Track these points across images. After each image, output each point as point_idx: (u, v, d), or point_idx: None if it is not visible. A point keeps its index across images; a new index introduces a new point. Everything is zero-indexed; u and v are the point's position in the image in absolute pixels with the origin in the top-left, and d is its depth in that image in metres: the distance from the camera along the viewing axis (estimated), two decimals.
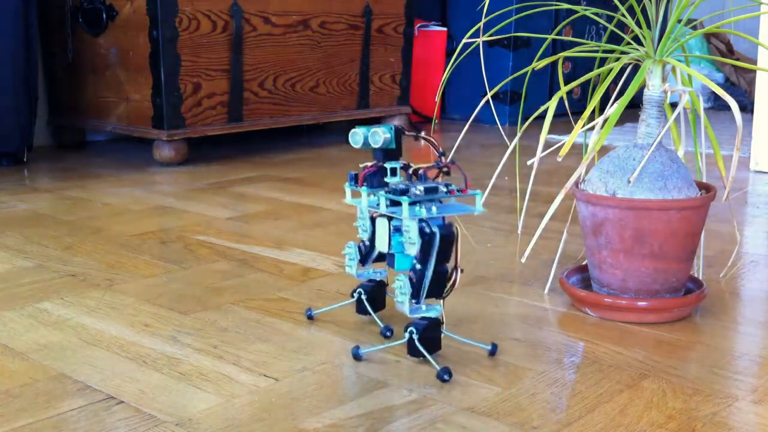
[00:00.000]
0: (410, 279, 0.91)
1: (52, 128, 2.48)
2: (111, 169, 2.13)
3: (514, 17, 1.55)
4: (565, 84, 1.32)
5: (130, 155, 2.34)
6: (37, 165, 2.19)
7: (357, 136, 0.96)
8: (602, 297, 1.09)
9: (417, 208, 0.90)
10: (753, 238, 1.49)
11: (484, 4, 1.20)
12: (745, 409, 0.84)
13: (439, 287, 0.92)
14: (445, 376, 0.89)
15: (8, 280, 1.24)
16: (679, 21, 1.09)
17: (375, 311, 1.05)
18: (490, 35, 1.25)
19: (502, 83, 2.23)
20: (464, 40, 1.20)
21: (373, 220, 0.99)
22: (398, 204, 0.92)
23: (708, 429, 0.80)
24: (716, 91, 1.01)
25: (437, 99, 2.80)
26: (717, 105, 3.35)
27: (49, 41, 2.39)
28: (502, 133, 2.64)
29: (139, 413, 0.83)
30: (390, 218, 0.94)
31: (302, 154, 2.39)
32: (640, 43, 1.11)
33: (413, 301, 0.91)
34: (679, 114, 1.13)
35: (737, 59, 3.56)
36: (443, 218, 0.92)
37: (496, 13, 1.39)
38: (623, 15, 1.13)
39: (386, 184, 0.95)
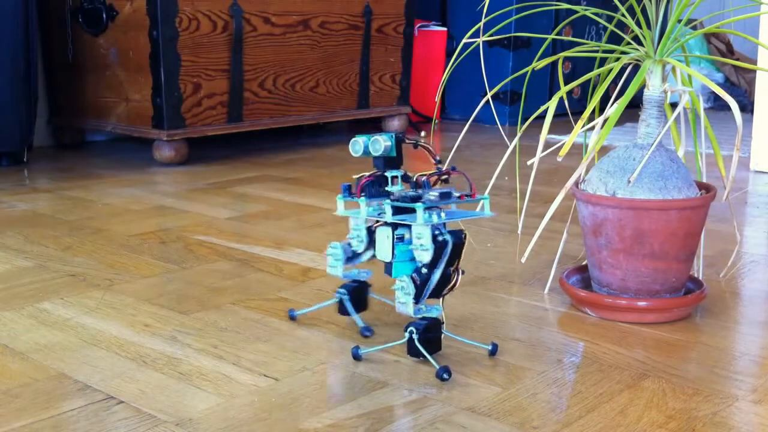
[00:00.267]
0: (413, 281, 0.91)
1: (52, 128, 2.48)
2: (111, 169, 2.13)
3: (514, 17, 1.55)
4: (565, 84, 1.32)
5: (130, 155, 2.34)
6: (37, 165, 2.19)
7: (357, 145, 0.95)
8: (602, 297, 1.09)
9: (428, 215, 0.90)
10: (753, 238, 1.49)
11: (484, 4, 1.20)
12: (745, 409, 0.84)
13: (440, 288, 0.92)
14: (444, 375, 0.89)
15: (8, 280, 1.24)
16: (679, 21, 1.09)
17: (357, 312, 1.03)
18: (490, 35, 1.25)
19: (502, 83, 2.23)
20: (464, 40, 1.20)
21: (369, 229, 0.98)
22: (404, 212, 0.92)
23: (708, 429, 0.80)
24: (716, 91, 1.01)
25: (437, 99, 2.80)
26: (717, 105, 3.35)
27: (49, 41, 2.39)
28: (502, 133, 2.64)
29: (139, 413, 0.83)
30: (394, 226, 0.94)
31: (302, 154, 2.39)
32: (640, 43, 1.11)
33: (414, 302, 0.91)
34: (679, 114, 1.13)
35: (737, 59, 3.56)
36: (443, 224, 0.92)
37: (496, 13, 1.39)
38: (623, 15, 1.13)
39: (384, 193, 0.95)
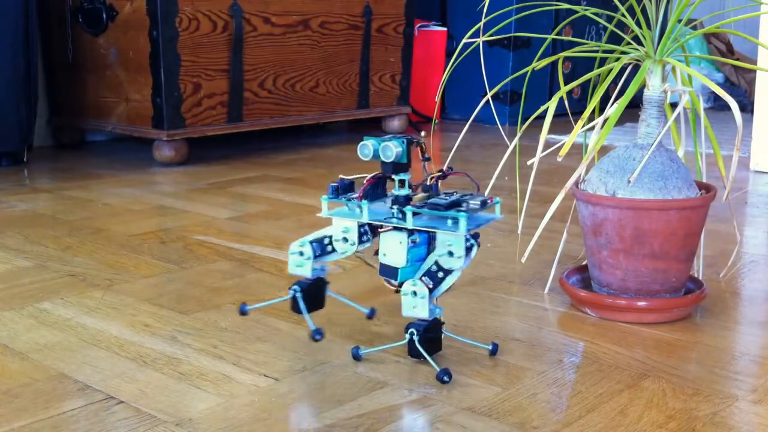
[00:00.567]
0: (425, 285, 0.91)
1: (52, 128, 2.48)
2: (111, 169, 2.13)
3: (514, 17, 1.55)
4: (565, 84, 1.32)
5: (130, 155, 2.34)
6: (37, 165, 2.19)
7: (366, 148, 0.93)
8: (602, 297, 1.09)
9: (464, 224, 0.89)
10: (753, 238, 1.49)
11: (484, 4, 1.20)
12: (745, 409, 0.84)
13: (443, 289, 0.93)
14: (444, 377, 0.89)
15: (8, 280, 1.24)
16: (679, 21, 1.09)
17: (312, 310, 1.00)
18: (490, 35, 1.25)
19: (502, 83, 2.23)
20: (464, 40, 1.20)
21: (362, 234, 0.96)
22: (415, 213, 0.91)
23: (708, 429, 0.80)
24: (716, 91, 1.01)
25: (437, 99, 2.80)
26: (717, 105, 3.35)
27: (49, 41, 2.39)
28: (502, 133, 2.64)
29: (139, 413, 0.83)
30: (411, 232, 0.92)
31: (302, 154, 2.39)
32: (640, 43, 1.11)
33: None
34: (679, 114, 1.13)
35: (737, 59, 3.56)
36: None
37: (496, 13, 1.39)
38: (623, 15, 1.13)
39: (382, 196, 0.94)
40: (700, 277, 1.18)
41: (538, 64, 1.16)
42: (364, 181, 0.94)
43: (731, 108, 0.99)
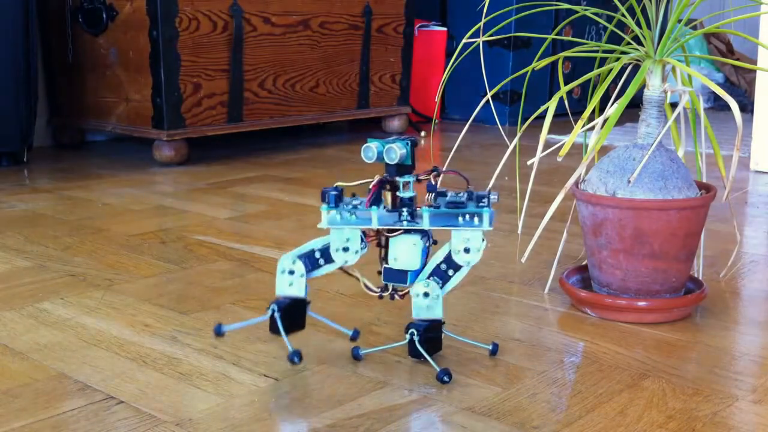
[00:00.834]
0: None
1: (52, 128, 2.47)
2: (111, 169, 2.13)
3: (514, 17, 1.55)
4: (565, 84, 1.32)
5: (130, 155, 2.34)
6: (37, 165, 2.19)
7: (370, 151, 0.91)
8: (602, 297, 1.09)
9: (478, 220, 0.89)
10: (753, 238, 1.49)
11: (484, 4, 1.20)
12: (745, 409, 0.84)
13: None
14: (444, 377, 0.89)
15: (8, 280, 1.24)
16: (679, 21, 1.09)
17: (291, 331, 0.95)
18: (490, 35, 1.25)
19: (502, 83, 2.23)
20: (464, 40, 1.20)
21: (363, 239, 0.94)
22: (413, 215, 0.91)
23: (708, 429, 0.80)
24: (716, 91, 1.01)
25: (437, 99, 2.80)
26: (717, 105, 3.35)
27: (49, 41, 2.39)
28: (502, 133, 2.64)
29: (139, 413, 0.83)
30: (427, 234, 0.92)
31: (302, 154, 2.39)
32: (640, 43, 1.11)
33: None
34: (679, 114, 1.13)
35: (737, 59, 3.56)
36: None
37: (496, 13, 1.39)
38: (623, 15, 1.13)
39: (380, 200, 0.94)
40: (700, 277, 1.18)
41: (538, 64, 1.16)
42: (370, 186, 0.92)
43: (731, 108, 0.99)
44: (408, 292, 0.93)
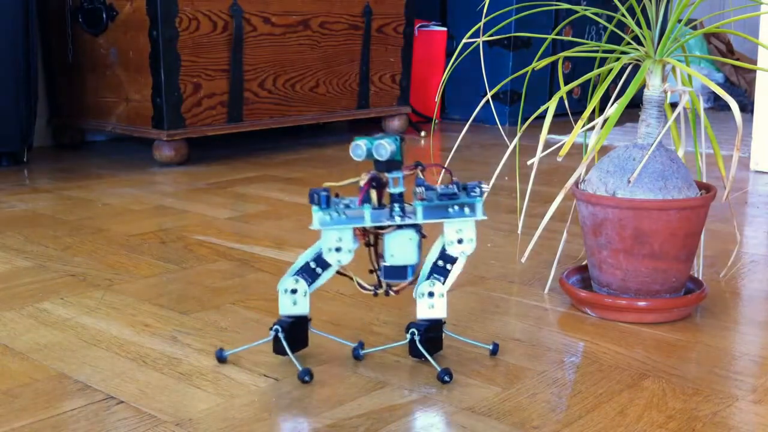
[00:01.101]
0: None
1: (52, 128, 2.48)
2: (111, 169, 2.13)
3: (514, 17, 1.55)
4: (565, 84, 1.32)
5: (130, 155, 2.34)
6: (37, 165, 2.19)
7: (359, 149, 0.90)
8: (602, 297, 1.09)
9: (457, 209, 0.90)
10: (753, 238, 1.49)
11: (484, 4, 1.20)
12: (745, 409, 0.84)
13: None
14: (445, 377, 0.89)
15: (8, 280, 1.24)
16: (679, 21, 1.09)
17: (295, 350, 0.94)
18: (490, 35, 1.25)
19: (502, 83, 2.23)
20: (464, 40, 1.20)
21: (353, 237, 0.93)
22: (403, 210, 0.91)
23: (708, 429, 0.80)
24: (716, 91, 1.01)
25: (437, 99, 2.80)
26: (717, 105, 3.35)
27: (49, 41, 2.39)
28: (502, 133, 2.64)
29: (139, 413, 0.83)
30: (419, 228, 0.91)
31: (302, 154, 2.39)
32: (640, 43, 1.11)
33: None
34: (679, 114, 1.13)
35: (737, 59, 3.56)
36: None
37: (496, 13, 1.39)
38: (623, 15, 1.13)
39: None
40: (700, 277, 1.18)
41: (538, 64, 1.16)
42: (361, 184, 0.92)
43: (731, 108, 0.99)
44: (402, 287, 0.93)
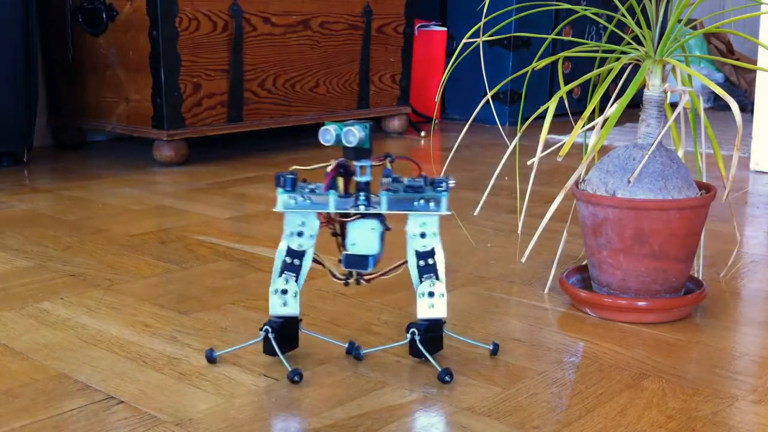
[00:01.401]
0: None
1: (52, 128, 2.47)
2: (111, 169, 2.13)
3: (514, 17, 1.55)
4: (565, 84, 1.32)
5: (130, 155, 2.34)
6: (37, 165, 2.19)
7: (328, 134, 0.90)
8: (602, 297, 1.09)
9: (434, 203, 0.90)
10: (753, 238, 1.49)
11: (484, 4, 1.20)
12: (745, 409, 0.84)
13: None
14: (446, 377, 0.89)
15: (8, 280, 1.24)
16: (679, 21, 1.09)
17: (286, 351, 0.94)
18: (490, 35, 1.25)
19: (502, 83, 2.23)
20: (464, 40, 1.20)
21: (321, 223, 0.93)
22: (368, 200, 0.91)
23: (708, 429, 0.80)
24: (716, 91, 1.01)
25: (437, 99, 2.80)
26: (717, 105, 3.35)
27: (49, 41, 2.39)
28: (502, 133, 2.64)
29: (139, 413, 0.83)
30: (383, 219, 0.91)
31: (302, 154, 2.39)
32: (640, 43, 1.11)
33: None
34: (679, 114, 1.13)
35: (737, 59, 3.56)
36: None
37: (496, 13, 1.39)
38: (623, 15, 1.13)
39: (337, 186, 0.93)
40: (700, 277, 1.18)
41: (538, 64, 1.16)
42: (328, 170, 0.92)
43: (731, 108, 0.99)
44: (374, 277, 0.93)
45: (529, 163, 1.15)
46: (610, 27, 1.21)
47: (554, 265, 1.21)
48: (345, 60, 2.55)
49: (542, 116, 1.12)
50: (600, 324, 1.07)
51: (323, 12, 2.44)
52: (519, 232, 1.41)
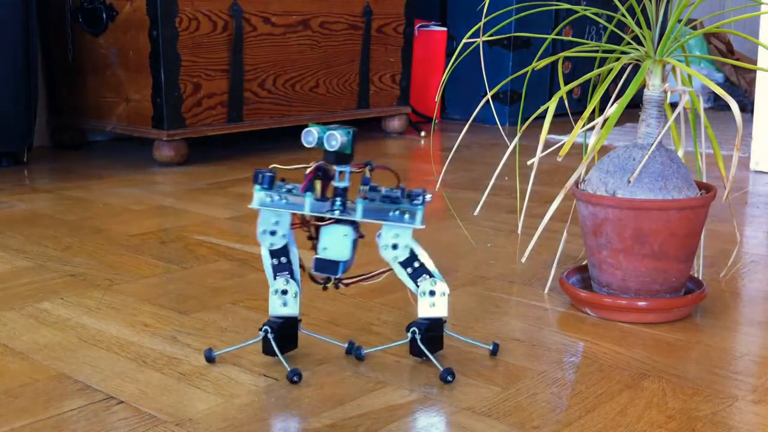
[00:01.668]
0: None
1: (52, 128, 2.47)
2: (111, 169, 2.13)
3: (514, 17, 1.55)
4: (565, 84, 1.32)
5: (130, 155, 2.34)
6: (37, 165, 2.19)
7: (310, 135, 0.90)
8: (602, 297, 1.09)
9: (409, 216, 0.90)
10: (753, 238, 1.49)
11: (484, 4, 1.20)
12: (745, 409, 0.84)
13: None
14: (448, 377, 0.89)
15: (8, 280, 1.24)
16: (679, 21, 1.09)
17: (285, 351, 0.94)
18: (490, 35, 1.25)
19: (502, 83, 2.23)
20: (464, 40, 1.20)
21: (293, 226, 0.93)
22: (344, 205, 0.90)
23: (708, 429, 0.80)
24: (716, 91, 1.01)
25: (437, 99, 2.80)
26: (717, 105, 3.35)
27: (49, 41, 2.39)
28: (502, 133, 2.64)
29: (139, 413, 0.83)
30: (357, 226, 0.91)
31: (302, 154, 2.39)
32: (640, 43, 1.11)
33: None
34: (679, 114, 1.13)
35: (737, 59, 3.56)
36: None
37: (496, 13, 1.39)
38: (623, 15, 1.13)
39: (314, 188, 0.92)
40: (700, 277, 1.18)
41: (538, 64, 1.16)
42: (306, 172, 0.91)
43: (731, 108, 0.99)
44: (353, 281, 0.93)
45: (529, 163, 1.15)
46: (610, 27, 1.21)
47: (554, 265, 1.21)
48: (345, 60, 2.55)
49: (542, 116, 1.12)
50: (600, 324, 1.07)
51: (323, 12, 2.44)
52: (519, 232, 1.41)
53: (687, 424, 0.81)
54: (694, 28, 1.46)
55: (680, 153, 1.17)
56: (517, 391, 0.88)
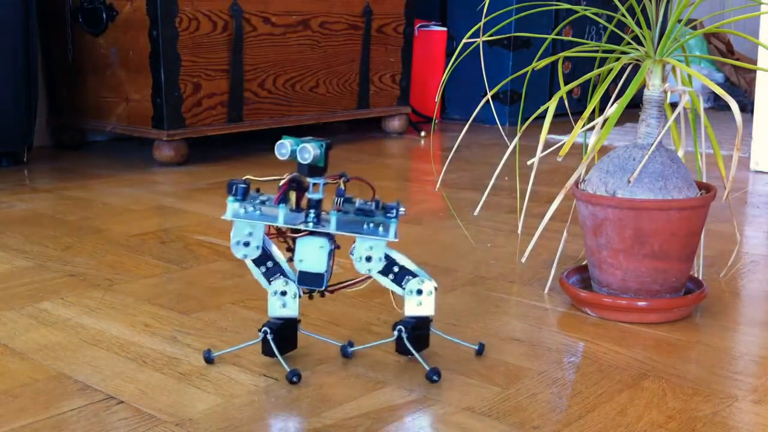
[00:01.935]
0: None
1: (52, 128, 2.47)
2: (111, 169, 2.13)
3: (514, 17, 1.55)
4: (565, 84, 1.32)
5: (130, 155, 2.34)
6: (37, 165, 2.19)
7: (284, 148, 0.89)
8: (602, 297, 1.09)
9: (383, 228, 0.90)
10: (753, 238, 1.49)
11: (484, 4, 1.20)
12: (745, 409, 0.84)
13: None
14: (434, 376, 0.89)
15: (8, 280, 1.24)
16: (679, 21, 1.09)
17: (284, 352, 0.94)
18: (490, 35, 1.25)
19: (502, 83, 2.23)
20: (464, 40, 1.20)
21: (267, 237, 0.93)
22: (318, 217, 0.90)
23: (708, 429, 0.80)
24: (716, 91, 1.01)
25: (437, 99, 2.80)
26: (717, 105, 3.35)
27: (49, 41, 2.39)
28: (502, 133, 2.64)
29: (139, 413, 0.83)
30: (332, 237, 0.91)
31: None
32: (640, 43, 1.11)
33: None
34: (679, 114, 1.13)
35: (737, 59, 3.56)
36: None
37: (496, 13, 1.39)
38: (623, 15, 1.13)
39: (288, 200, 0.91)
40: (700, 277, 1.18)
41: (538, 64, 1.16)
42: (280, 184, 0.91)
43: (731, 108, 0.99)
44: (338, 288, 0.94)
45: (529, 163, 1.15)
46: (610, 27, 1.21)
47: (554, 265, 1.21)
48: (345, 60, 2.55)
49: (542, 116, 1.12)
50: (600, 324, 1.07)
51: (323, 12, 2.45)
52: (519, 232, 1.41)
53: (687, 424, 0.81)
54: (694, 28, 1.46)
55: (680, 153, 1.17)
56: (517, 391, 0.88)
